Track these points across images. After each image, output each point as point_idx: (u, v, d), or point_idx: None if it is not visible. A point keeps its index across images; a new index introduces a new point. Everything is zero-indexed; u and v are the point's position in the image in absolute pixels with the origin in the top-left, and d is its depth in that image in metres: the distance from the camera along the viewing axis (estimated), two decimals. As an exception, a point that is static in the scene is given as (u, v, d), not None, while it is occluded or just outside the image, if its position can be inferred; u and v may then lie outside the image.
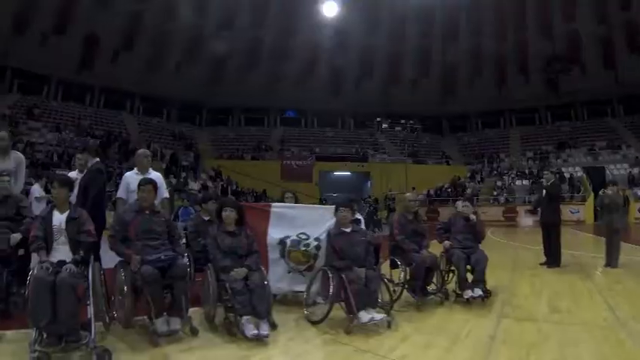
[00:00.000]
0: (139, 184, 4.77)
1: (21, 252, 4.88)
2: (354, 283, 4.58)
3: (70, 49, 25.70)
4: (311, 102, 30.33)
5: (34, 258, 4.28)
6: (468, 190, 26.22)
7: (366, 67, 29.30)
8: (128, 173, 6.12)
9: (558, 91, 29.78)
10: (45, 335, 3.65)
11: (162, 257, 4.32)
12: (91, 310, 3.83)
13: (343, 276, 4.63)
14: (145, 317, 4.20)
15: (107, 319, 4.15)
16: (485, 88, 30.40)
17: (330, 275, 4.73)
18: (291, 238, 5.48)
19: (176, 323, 4.12)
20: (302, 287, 5.28)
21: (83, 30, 25.61)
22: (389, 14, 27.65)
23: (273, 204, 5.90)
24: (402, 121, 29.91)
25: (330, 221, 5.41)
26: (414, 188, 24.72)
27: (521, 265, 8.24)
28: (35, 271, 3.89)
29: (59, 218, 4.39)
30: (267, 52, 28.02)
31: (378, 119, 30.68)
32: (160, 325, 4.06)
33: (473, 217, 5.96)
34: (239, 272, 4.44)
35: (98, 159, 6.18)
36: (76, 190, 5.23)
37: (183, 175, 23.05)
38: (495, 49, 28.68)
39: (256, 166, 26.47)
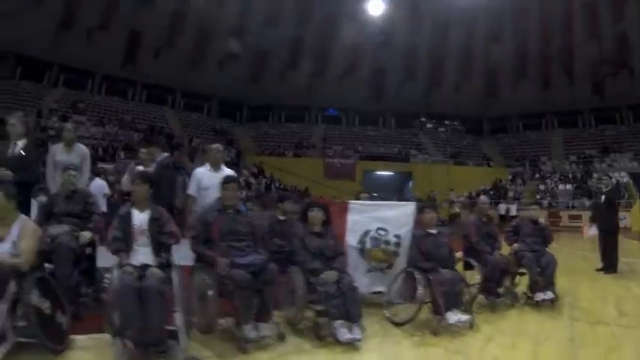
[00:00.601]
0: (224, 182, 4.54)
1: (88, 250, 4.71)
2: (442, 285, 4.58)
3: (114, 46, 26.00)
4: (352, 100, 30.15)
5: (110, 258, 4.10)
6: (510, 194, 25.73)
7: (409, 67, 28.98)
8: (199, 169, 5.83)
9: (604, 95, 29.10)
10: (131, 344, 3.45)
11: (255, 262, 4.11)
12: (179, 317, 3.69)
13: (431, 277, 4.62)
14: (223, 322, 4.10)
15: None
16: (528, 89, 29.81)
17: (418, 276, 4.71)
18: (371, 234, 5.41)
19: (265, 329, 4.00)
20: (381, 287, 5.25)
21: (127, 27, 25.94)
22: (432, 15, 27.37)
23: (352, 201, 5.82)
24: (446, 122, 29.58)
25: (409, 218, 5.44)
26: (452, 190, 24.46)
27: (576, 270, 8.16)
28: (119, 276, 3.70)
29: (140, 218, 4.17)
30: (310, 50, 27.96)
31: (423, 119, 30.40)
32: (249, 330, 3.90)
33: (542, 220, 6.14)
34: (330, 275, 4.32)
35: (167, 153, 6.16)
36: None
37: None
38: (540, 50, 28.13)
39: (298, 164, 26.34)
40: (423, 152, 29.88)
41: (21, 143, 5.30)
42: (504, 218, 18.22)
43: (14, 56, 26.08)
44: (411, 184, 28.19)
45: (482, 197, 7.33)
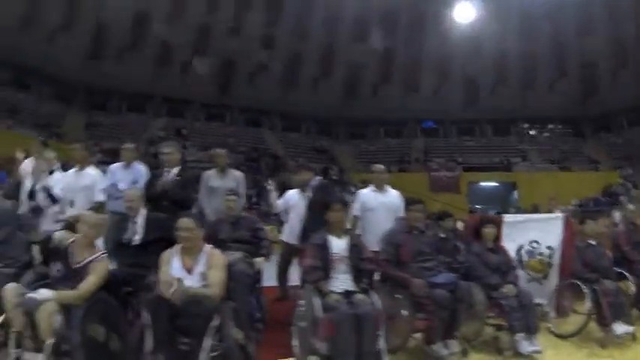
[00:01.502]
0: (408, 204, 4.87)
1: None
2: (608, 296, 4.69)
3: (209, 75, 27.23)
4: (447, 111, 29.51)
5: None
6: (622, 198, 24.03)
7: (500, 72, 28.03)
8: (364, 191, 6.06)
9: None
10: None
11: (450, 280, 4.31)
12: (382, 340, 3.79)
13: (597, 288, 4.77)
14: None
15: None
16: (629, 82, 27.93)
17: (584, 288, 4.84)
18: (525, 247, 5.57)
19: (453, 345, 4.17)
20: (539, 299, 5.22)
21: (220, 57, 27.09)
22: (519, 14, 26.38)
23: (505, 215, 6.20)
24: (550, 126, 28.34)
25: (558, 230, 5.49)
26: (552, 199, 23.04)
27: None
28: (327, 304, 3.81)
29: (338, 245, 4.18)
30: (401, 63, 27.65)
31: (526, 125, 29.33)
32: (440, 348, 4.11)
33: None
34: (510, 289, 4.52)
35: (319, 177, 6.26)
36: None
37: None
38: (638, 38, 26.22)
39: (402, 179, 25.86)
40: (525, 160, 28.68)
41: (176, 170, 5.46)
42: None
43: (120, 92, 28.29)
44: (516, 193, 27.10)
45: (630, 206, 7.37)
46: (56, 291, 3.53)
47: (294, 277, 5.63)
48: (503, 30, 26.68)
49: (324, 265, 4.06)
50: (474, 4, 26.45)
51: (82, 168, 5.68)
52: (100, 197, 5.48)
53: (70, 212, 5.15)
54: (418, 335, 4.39)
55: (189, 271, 3.78)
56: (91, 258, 3.79)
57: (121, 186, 5.56)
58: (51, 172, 5.69)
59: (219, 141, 26.46)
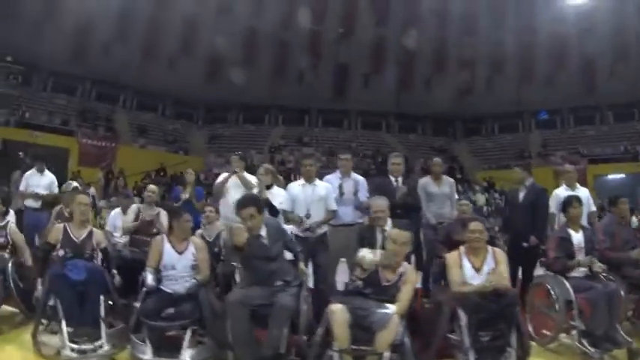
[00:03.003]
0: (616, 199, 5.72)
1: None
2: None
3: (324, 82, 27.74)
4: (563, 99, 28.37)
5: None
6: None
7: (619, 51, 26.55)
8: (557, 191, 6.78)
9: None
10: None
11: None
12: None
13: None
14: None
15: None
16: None
17: None
18: None
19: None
20: None
21: (332, 62, 27.55)
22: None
23: None
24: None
25: None
26: None
27: None
28: (577, 286, 4.57)
29: (578, 238, 4.90)
30: (512, 54, 27.01)
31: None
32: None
33: None
34: None
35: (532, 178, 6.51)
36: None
37: (462, 189, 22.99)
38: None
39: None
40: None
41: (401, 178, 6.18)
42: None
43: (238, 105, 29.63)
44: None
45: None
46: (395, 305, 3.86)
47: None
48: (619, 4, 25.27)
49: (567, 256, 4.79)
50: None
51: (312, 180, 5.80)
52: (334, 206, 5.71)
53: (309, 222, 5.48)
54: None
55: (477, 271, 4.23)
56: (401, 271, 4.13)
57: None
58: (269, 187, 5.91)
59: (341, 146, 27.16)
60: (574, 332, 4.46)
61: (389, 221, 5.00)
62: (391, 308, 3.80)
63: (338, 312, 3.76)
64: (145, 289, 4.32)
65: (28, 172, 7.84)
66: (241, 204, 4.23)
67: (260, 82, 26.90)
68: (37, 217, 7.39)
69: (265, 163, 7.21)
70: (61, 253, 4.60)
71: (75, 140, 23.07)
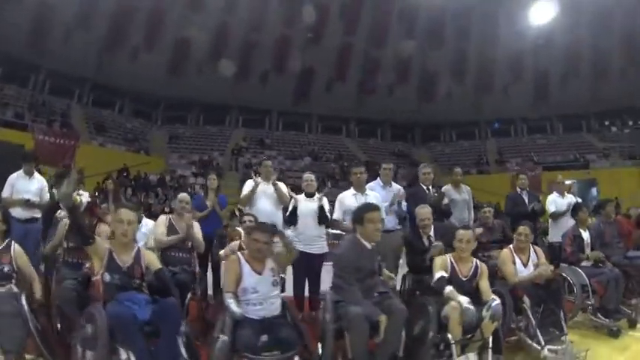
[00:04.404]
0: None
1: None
2: None
3: (287, 85, 27.68)
4: (517, 109, 29.59)
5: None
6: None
7: (571, 65, 27.71)
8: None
9: None
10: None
11: None
12: None
13: None
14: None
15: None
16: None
17: None
18: None
19: None
20: None
21: (299, 66, 27.27)
22: (592, 8, 26.01)
23: None
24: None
25: None
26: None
27: None
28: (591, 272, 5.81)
29: (586, 235, 6.28)
30: (473, 65, 27.83)
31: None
32: None
33: None
34: None
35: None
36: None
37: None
38: None
39: (483, 181, 26.30)
40: (600, 156, 28.33)
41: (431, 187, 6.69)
42: None
43: (198, 104, 28.99)
44: (594, 190, 27.19)
45: None
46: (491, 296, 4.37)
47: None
48: (573, 22, 26.22)
49: (579, 250, 6.05)
50: (549, 4, 26.26)
51: (363, 190, 6.03)
52: (384, 215, 5.69)
53: None
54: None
55: (525, 265, 5.14)
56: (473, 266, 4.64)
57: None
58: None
59: (303, 150, 27.23)
60: (589, 309, 5.72)
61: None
62: (497, 299, 4.27)
63: (456, 308, 4.12)
64: (227, 319, 3.74)
65: (13, 175, 6.42)
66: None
67: (222, 81, 26.36)
68: (26, 230, 5.99)
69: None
70: (106, 278, 3.74)
71: (30, 136, 20.71)
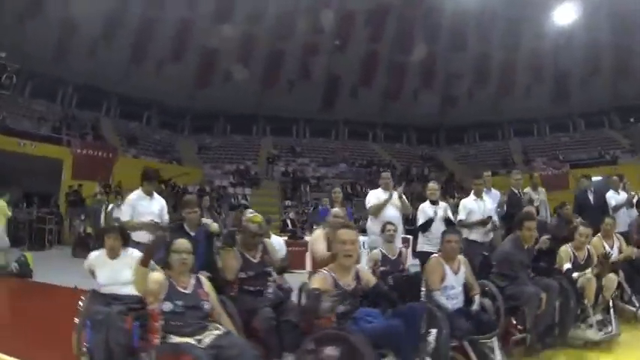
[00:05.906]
0: None
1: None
2: None
3: (313, 92, 28.00)
4: (538, 109, 29.89)
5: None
6: None
7: (590, 64, 27.80)
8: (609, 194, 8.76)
9: None
10: None
11: None
12: None
13: None
14: None
15: None
16: None
17: None
18: None
19: None
20: None
21: (325, 73, 27.91)
22: (611, 9, 26.26)
23: None
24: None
25: None
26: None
27: None
28: None
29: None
30: (495, 68, 28.22)
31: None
32: None
33: None
34: None
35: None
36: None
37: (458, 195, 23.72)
38: None
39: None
40: (625, 152, 28.39)
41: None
42: None
43: (224, 114, 29.28)
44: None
45: None
46: None
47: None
48: (595, 24, 26.43)
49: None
50: (570, 6, 26.57)
51: (482, 196, 7.29)
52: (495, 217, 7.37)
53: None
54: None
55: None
56: None
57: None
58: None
59: (335, 156, 27.45)
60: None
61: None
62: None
63: (590, 279, 5.35)
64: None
65: (132, 197, 6.05)
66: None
67: (248, 90, 26.90)
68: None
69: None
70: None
71: (67, 150, 20.89)
